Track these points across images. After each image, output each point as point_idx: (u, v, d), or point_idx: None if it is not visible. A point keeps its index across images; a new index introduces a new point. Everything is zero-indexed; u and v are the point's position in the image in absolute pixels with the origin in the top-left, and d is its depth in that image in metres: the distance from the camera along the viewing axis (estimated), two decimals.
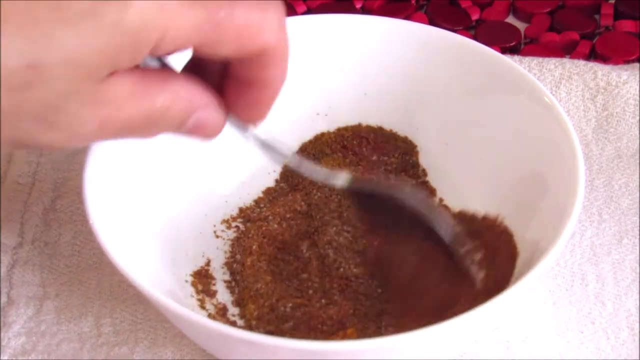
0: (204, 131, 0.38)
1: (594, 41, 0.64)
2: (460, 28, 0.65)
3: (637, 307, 0.47)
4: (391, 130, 0.53)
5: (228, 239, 0.50)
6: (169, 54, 0.36)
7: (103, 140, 0.37)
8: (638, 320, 0.47)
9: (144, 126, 0.36)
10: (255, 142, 0.42)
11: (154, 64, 0.36)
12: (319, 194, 0.50)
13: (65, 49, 0.32)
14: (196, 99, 0.37)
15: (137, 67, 0.34)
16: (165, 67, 0.37)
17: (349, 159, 0.52)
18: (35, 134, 0.34)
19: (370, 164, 0.52)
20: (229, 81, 0.39)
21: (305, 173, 0.45)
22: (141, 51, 0.34)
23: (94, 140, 0.37)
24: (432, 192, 0.52)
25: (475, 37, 0.63)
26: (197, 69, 0.38)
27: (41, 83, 0.32)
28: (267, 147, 0.42)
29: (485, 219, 0.48)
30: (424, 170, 0.52)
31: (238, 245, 0.49)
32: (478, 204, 0.50)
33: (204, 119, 0.38)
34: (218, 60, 0.38)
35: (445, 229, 0.45)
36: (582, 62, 0.58)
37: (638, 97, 0.56)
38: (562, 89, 0.57)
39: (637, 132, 0.55)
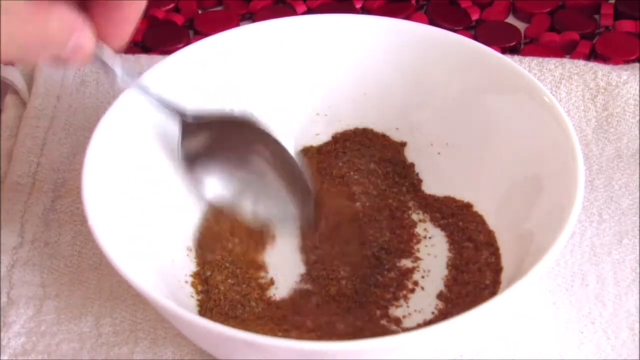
0: (81, 55, 0.40)
1: (594, 41, 0.64)
2: (460, 28, 0.65)
3: (637, 307, 0.47)
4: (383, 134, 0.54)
5: None
6: None
7: (4, 60, 0.39)
8: (638, 320, 0.47)
9: (36, 48, 0.38)
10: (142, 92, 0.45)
11: None
12: None
13: None
14: (76, 22, 0.40)
15: None
16: None
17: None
18: None
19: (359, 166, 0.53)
20: (92, 3, 0.41)
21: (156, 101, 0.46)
22: None
23: None
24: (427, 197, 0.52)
25: (475, 37, 0.63)
26: None
27: None
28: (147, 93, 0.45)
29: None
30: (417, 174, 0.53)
31: None
32: (477, 204, 0.51)
33: (81, 42, 0.40)
34: None
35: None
36: (582, 62, 0.58)
37: (638, 97, 0.56)
38: (562, 89, 0.57)
39: (637, 132, 0.55)
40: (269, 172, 0.48)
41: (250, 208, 0.47)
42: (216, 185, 0.47)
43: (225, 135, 0.47)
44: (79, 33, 0.40)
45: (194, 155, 0.47)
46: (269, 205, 0.48)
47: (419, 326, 0.46)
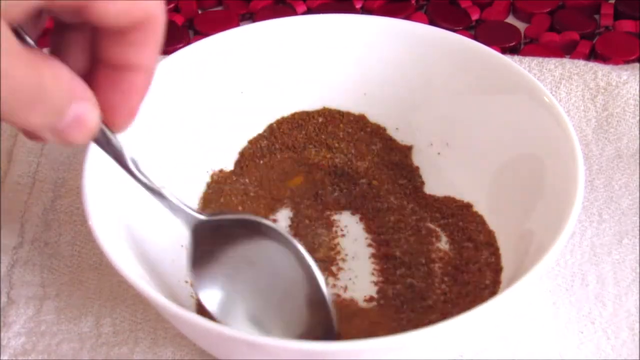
0: (83, 128, 0.36)
1: (594, 41, 0.64)
2: (460, 28, 0.65)
3: (637, 307, 0.47)
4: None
5: None
6: (63, 10, 0.34)
7: None
8: (638, 320, 0.47)
9: (30, 100, 0.33)
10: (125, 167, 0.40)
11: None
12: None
13: None
14: (77, 87, 0.35)
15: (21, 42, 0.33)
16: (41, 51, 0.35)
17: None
18: None
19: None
20: (96, 74, 0.37)
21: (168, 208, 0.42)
22: None
23: None
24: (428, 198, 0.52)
25: (475, 37, 0.63)
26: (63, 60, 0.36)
27: None
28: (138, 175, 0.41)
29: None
30: (418, 170, 0.53)
31: None
32: (477, 204, 0.51)
33: (84, 113, 0.35)
34: (100, 26, 0.36)
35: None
36: (582, 62, 0.58)
37: (638, 97, 0.56)
38: (562, 89, 0.57)
39: (637, 132, 0.55)
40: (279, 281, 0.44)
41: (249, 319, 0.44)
42: (218, 296, 0.44)
43: (236, 237, 0.43)
44: (80, 102, 0.35)
45: (202, 261, 0.43)
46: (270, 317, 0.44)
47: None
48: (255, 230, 0.43)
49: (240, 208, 0.51)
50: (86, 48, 0.37)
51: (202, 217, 0.43)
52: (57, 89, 0.34)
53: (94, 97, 0.36)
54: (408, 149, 0.53)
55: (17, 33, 0.34)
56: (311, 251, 0.45)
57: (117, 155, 0.40)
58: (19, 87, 0.33)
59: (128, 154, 0.40)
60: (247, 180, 0.52)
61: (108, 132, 0.38)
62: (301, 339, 0.42)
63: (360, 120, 0.54)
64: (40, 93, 0.34)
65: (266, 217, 0.51)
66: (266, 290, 0.44)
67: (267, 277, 0.44)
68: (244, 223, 0.43)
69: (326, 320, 0.43)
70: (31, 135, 0.37)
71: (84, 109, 0.36)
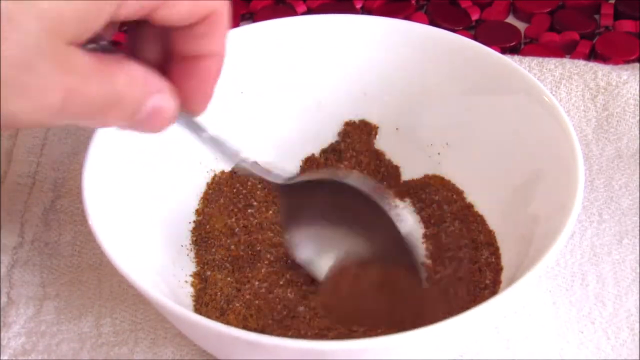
0: (161, 118, 0.37)
1: (594, 41, 0.64)
2: (460, 28, 0.65)
3: (637, 307, 0.47)
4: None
5: None
6: (128, 18, 0.36)
7: (64, 121, 0.35)
8: (638, 320, 0.47)
9: (104, 107, 0.35)
10: (206, 141, 0.42)
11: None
12: None
13: (39, 5, 0.32)
14: (152, 82, 0.37)
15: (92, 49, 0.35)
16: (115, 52, 0.36)
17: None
18: (4, 99, 0.33)
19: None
20: (171, 64, 0.39)
21: (255, 172, 0.45)
22: (106, 10, 0.34)
23: (56, 118, 0.35)
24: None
25: (475, 37, 0.63)
26: (138, 56, 0.38)
27: (16, 38, 0.32)
28: (218, 144, 0.43)
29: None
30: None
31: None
32: (478, 204, 0.51)
33: (160, 104, 0.37)
34: (168, 26, 0.37)
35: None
36: (582, 62, 0.58)
37: (638, 97, 0.56)
38: (562, 89, 0.57)
39: (637, 132, 0.55)
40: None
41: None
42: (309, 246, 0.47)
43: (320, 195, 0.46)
44: (157, 94, 0.37)
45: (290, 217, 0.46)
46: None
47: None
48: (339, 190, 0.45)
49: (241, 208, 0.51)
50: (160, 40, 0.39)
51: (288, 177, 0.45)
52: (131, 91, 0.36)
53: (170, 87, 0.37)
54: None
55: (91, 40, 0.35)
56: None
57: (200, 135, 0.41)
58: (93, 101, 0.34)
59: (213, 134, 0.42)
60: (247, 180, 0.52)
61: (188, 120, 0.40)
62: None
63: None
64: (115, 99, 0.35)
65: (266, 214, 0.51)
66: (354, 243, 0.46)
67: (354, 233, 0.46)
68: (329, 183, 0.45)
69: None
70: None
71: (160, 100, 0.37)
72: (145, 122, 0.37)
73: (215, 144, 0.42)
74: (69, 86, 0.33)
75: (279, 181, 0.45)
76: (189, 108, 0.39)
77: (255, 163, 0.44)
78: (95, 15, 0.33)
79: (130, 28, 0.39)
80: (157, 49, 0.39)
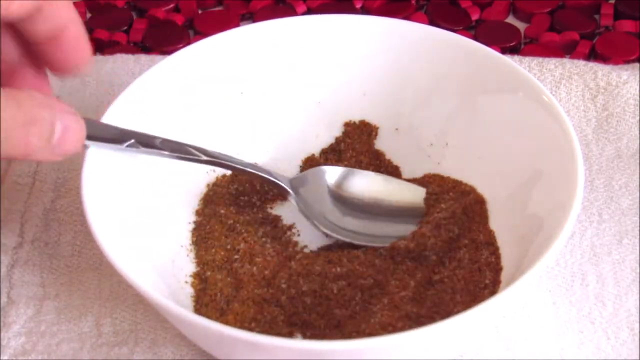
0: (74, 139, 0.40)
1: (594, 41, 0.64)
2: (460, 28, 0.65)
3: (637, 307, 0.47)
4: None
5: None
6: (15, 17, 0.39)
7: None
8: (638, 320, 0.47)
9: (22, 127, 0.37)
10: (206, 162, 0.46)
11: None
12: None
13: None
14: (56, 104, 0.39)
15: None
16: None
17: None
18: None
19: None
20: (39, 46, 0.42)
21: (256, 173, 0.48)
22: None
23: None
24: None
25: (475, 37, 0.63)
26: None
27: None
28: (216, 163, 0.47)
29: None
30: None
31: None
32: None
33: (69, 124, 0.40)
34: (8, 22, 0.40)
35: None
36: (582, 62, 0.58)
37: (638, 97, 0.56)
38: (562, 89, 0.57)
39: (637, 132, 0.55)
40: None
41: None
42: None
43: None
44: (65, 114, 0.39)
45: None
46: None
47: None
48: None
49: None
50: (13, 39, 0.42)
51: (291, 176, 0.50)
52: (41, 112, 0.38)
53: (66, 105, 0.40)
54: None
55: None
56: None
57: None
58: (8, 127, 0.36)
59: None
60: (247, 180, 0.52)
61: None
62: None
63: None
64: (30, 119, 0.37)
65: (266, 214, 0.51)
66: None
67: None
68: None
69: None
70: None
71: (69, 120, 0.40)
72: (60, 144, 0.39)
73: (214, 163, 0.45)
74: None
75: (282, 182, 0.47)
76: (77, 69, 0.43)
77: (255, 165, 0.45)
78: None
79: None
80: (16, 47, 0.42)
